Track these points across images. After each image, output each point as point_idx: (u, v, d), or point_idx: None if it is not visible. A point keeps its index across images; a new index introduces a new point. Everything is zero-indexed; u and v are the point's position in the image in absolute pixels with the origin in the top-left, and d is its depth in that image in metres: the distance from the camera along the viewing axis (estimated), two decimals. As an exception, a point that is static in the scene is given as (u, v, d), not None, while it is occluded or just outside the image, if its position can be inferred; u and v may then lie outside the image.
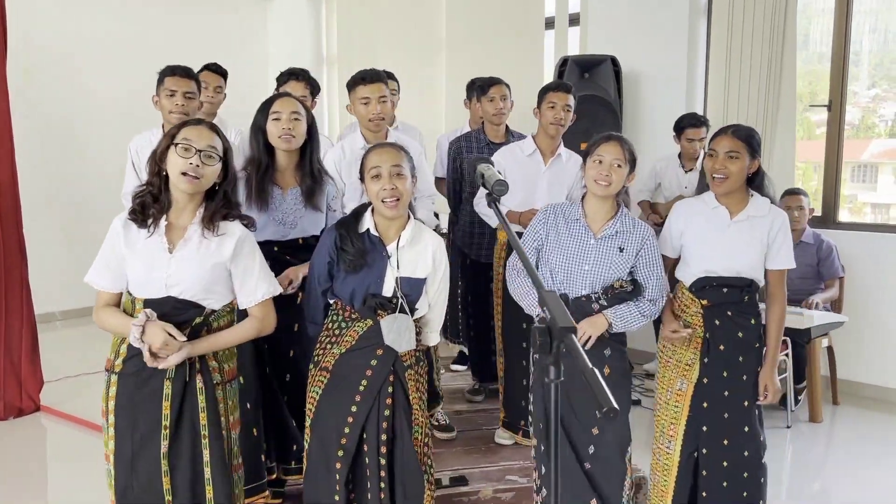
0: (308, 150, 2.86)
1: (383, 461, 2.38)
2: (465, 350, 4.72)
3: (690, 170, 4.67)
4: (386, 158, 2.38)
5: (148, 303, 2.16)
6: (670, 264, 2.79)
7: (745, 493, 2.67)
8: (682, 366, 2.69)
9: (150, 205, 2.18)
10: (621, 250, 2.56)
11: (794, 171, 4.80)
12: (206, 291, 2.20)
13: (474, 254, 4.06)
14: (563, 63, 5.03)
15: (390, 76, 4.21)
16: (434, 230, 2.62)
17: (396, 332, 2.37)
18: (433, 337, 2.60)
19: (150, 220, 2.17)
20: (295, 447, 2.93)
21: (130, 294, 2.21)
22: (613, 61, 4.99)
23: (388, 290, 2.41)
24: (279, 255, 2.82)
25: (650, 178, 4.87)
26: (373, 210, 2.46)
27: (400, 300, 2.40)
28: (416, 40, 6.67)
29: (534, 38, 5.90)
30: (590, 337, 2.52)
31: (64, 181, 6.51)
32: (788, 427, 4.18)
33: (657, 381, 2.81)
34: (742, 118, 4.85)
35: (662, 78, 5.19)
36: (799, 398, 4.43)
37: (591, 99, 4.87)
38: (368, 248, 2.41)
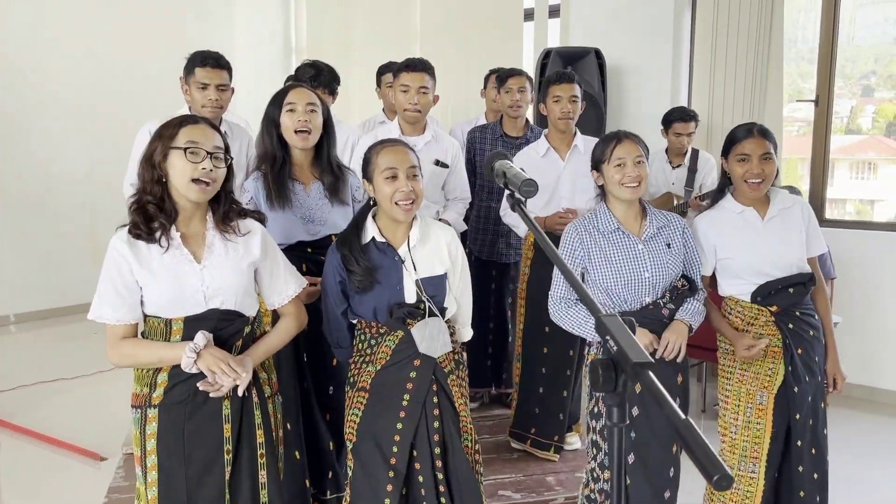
0: (325, 144, 2.67)
1: (440, 475, 2.22)
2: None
3: (678, 165, 4.54)
4: (402, 159, 2.23)
5: (189, 321, 1.94)
6: (706, 283, 2.61)
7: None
8: (760, 377, 2.51)
9: (155, 215, 1.93)
10: (669, 246, 2.44)
11: (782, 167, 4.70)
12: (246, 296, 2.03)
13: (478, 251, 3.91)
14: (546, 55, 4.87)
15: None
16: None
17: (430, 338, 2.22)
18: (466, 332, 2.45)
19: (158, 233, 1.93)
20: (330, 474, 2.72)
21: (156, 317, 1.97)
22: (597, 54, 4.84)
23: (410, 296, 2.25)
24: (313, 256, 2.63)
25: (635, 174, 4.73)
26: (374, 215, 2.29)
27: (427, 303, 2.24)
28: (388, 31, 6.45)
29: (512, 29, 5.73)
30: (680, 347, 2.39)
31: (15, 176, 6.16)
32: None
33: (724, 401, 2.59)
34: (728, 112, 4.75)
35: (647, 71, 5.06)
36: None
37: (574, 92, 4.71)
38: (377, 258, 2.25)
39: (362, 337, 2.31)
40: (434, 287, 2.28)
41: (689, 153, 4.49)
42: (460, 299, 2.39)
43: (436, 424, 2.23)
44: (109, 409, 4.21)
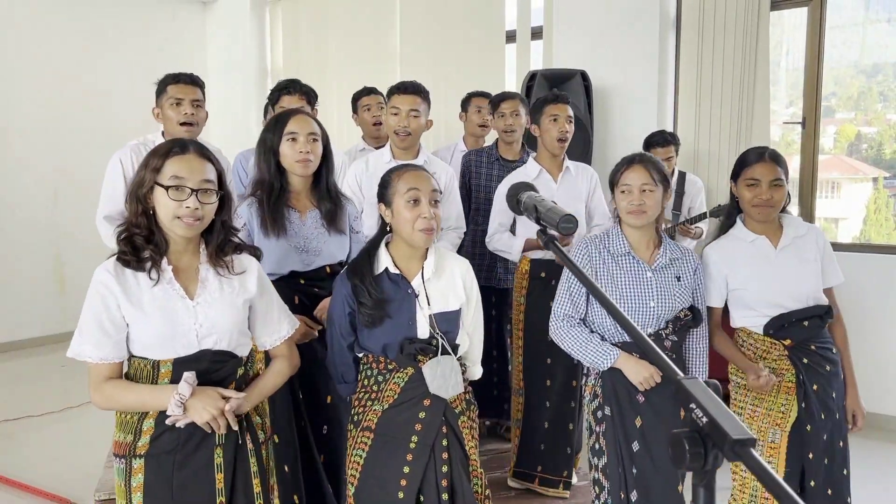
0: (324, 171, 2.58)
1: None
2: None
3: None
4: (425, 184, 2.13)
5: (178, 363, 1.80)
6: (718, 315, 2.52)
7: None
8: (773, 414, 2.39)
9: (143, 246, 1.80)
10: (679, 279, 2.34)
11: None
12: (240, 336, 1.91)
13: (480, 279, 3.78)
14: (532, 78, 4.78)
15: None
16: None
17: (442, 377, 2.10)
18: (476, 370, 2.33)
19: (148, 265, 1.79)
20: None
21: (143, 358, 1.82)
22: (584, 76, 4.77)
23: (423, 331, 2.13)
24: (307, 287, 2.53)
25: (623, 197, 4.65)
26: (387, 244, 2.18)
27: (440, 340, 2.11)
28: (367, 53, 6.33)
29: (494, 51, 5.65)
30: None
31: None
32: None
33: None
34: (714, 134, 4.70)
35: (632, 93, 5.00)
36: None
37: (560, 115, 4.63)
38: (389, 290, 2.13)
39: (369, 373, 2.19)
40: (448, 323, 2.16)
41: (676, 176, 4.43)
42: (472, 336, 2.27)
43: (444, 469, 2.10)
44: (81, 450, 3.99)
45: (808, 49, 4.58)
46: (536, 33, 5.46)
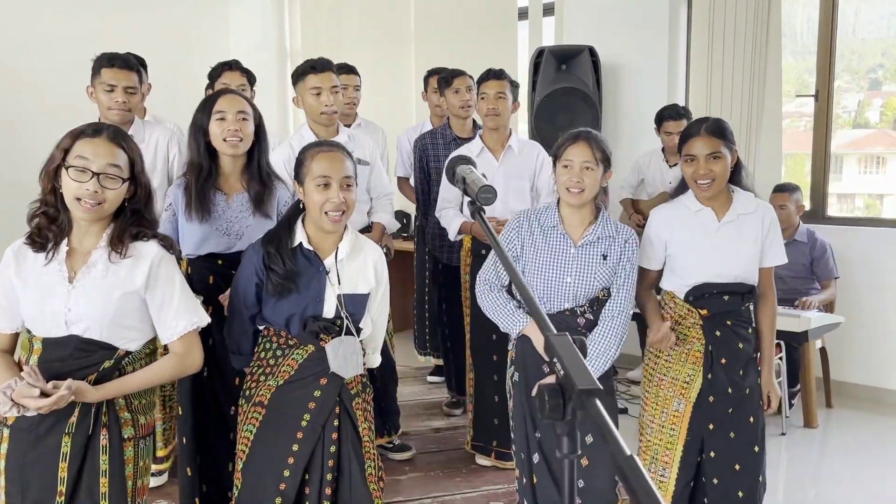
0: (256, 151, 2.55)
1: None
2: (437, 362, 4.45)
3: (675, 164, 4.45)
4: (337, 168, 2.11)
5: (47, 342, 1.83)
6: (653, 277, 2.53)
7: None
8: (678, 384, 2.42)
9: (45, 227, 1.84)
10: (605, 258, 2.34)
11: (781, 164, 4.60)
12: (118, 327, 1.85)
13: (445, 258, 3.81)
14: (539, 54, 4.77)
15: (352, 70, 3.96)
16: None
17: (343, 358, 2.10)
18: (375, 358, 2.35)
19: (48, 245, 1.83)
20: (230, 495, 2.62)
21: (27, 331, 1.89)
22: (591, 52, 4.74)
23: (329, 310, 2.13)
24: (224, 269, 2.53)
25: (632, 174, 4.65)
26: (303, 219, 2.17)
27: (345, 321, 2.12)
28: (383, 33, 6.38)
29: (507, 29, 5.64)
30: None
31: (15, 183, 6.08)
32: (783, 434, 3.97)
33: (644, 401, 2.53)
34: (726, 109, 4.64)
35: (643, 68, 4.97)
36: (792, 402, 4.24)
37: (568, 91, 4.63)
38: (301, 265, 2.13)
39: (267, 346, 2.17)
40: (354, 305, 2.16)
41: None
42: (376, 322, 2.27)
43: (332, 450, 2.10)
44: None
45: (822, 20, 4.49)
46: (548, 10, 5.44)
